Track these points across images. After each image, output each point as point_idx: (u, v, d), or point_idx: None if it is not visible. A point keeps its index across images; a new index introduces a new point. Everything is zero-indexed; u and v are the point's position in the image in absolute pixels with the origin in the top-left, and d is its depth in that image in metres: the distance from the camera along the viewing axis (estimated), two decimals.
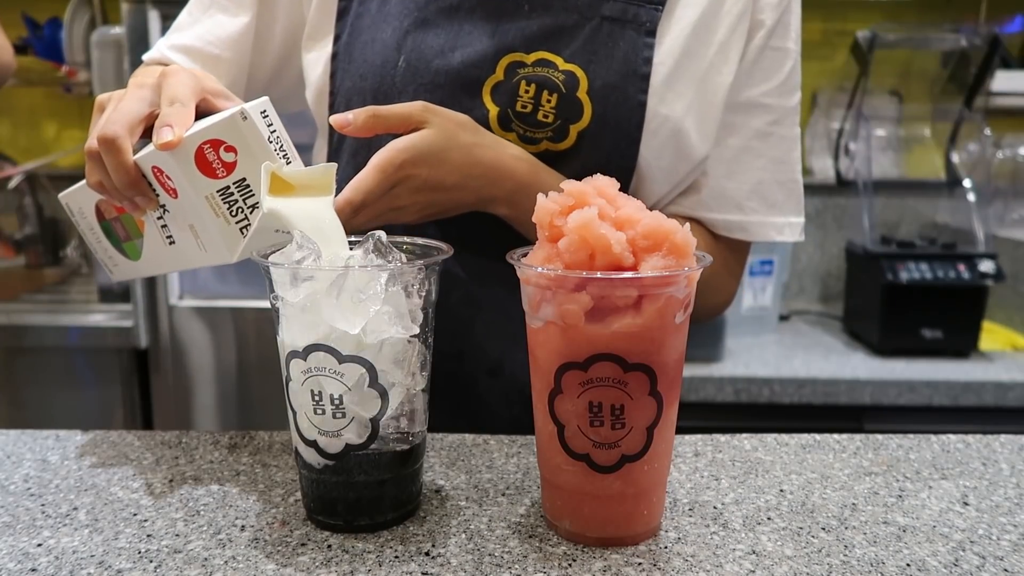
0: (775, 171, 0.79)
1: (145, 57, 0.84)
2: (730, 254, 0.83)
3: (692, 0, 0.74)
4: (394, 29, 0.75)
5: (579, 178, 0.55)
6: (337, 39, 0.78)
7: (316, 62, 0.81)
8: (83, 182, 0.68)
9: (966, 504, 0.62)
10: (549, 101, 0.72)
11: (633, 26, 0.73)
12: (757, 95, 0.78)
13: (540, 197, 0.53)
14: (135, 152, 0.62)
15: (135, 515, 0.59)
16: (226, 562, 0.53)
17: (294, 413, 0.57)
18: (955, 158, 2.13)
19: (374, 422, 0.55)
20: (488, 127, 0.72)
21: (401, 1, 0.75)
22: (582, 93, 0.72)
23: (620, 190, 0.55)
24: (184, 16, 0.85)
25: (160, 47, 0.83)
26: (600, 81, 0.72)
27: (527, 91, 0.72)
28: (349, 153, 0.80)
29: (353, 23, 0.78)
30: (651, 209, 0.59)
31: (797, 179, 0.81)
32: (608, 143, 0.73)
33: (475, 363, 0.81)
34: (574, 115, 0.72)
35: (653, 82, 0.73)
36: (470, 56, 0.73)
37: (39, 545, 0.55)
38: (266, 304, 0.63)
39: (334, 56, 0.79)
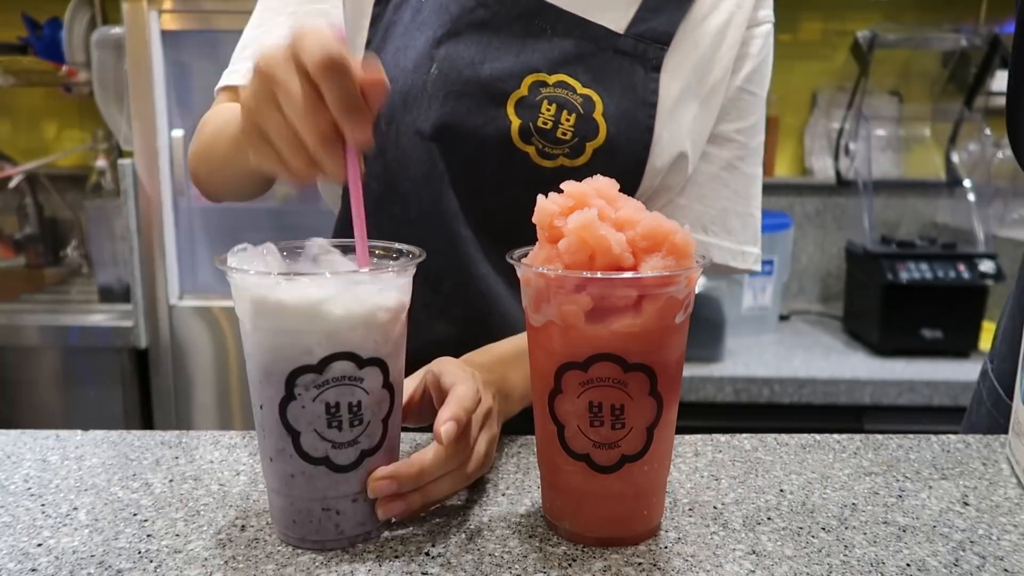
0: (736, 202, 0.86)
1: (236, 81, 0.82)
2: None
3: (694, 42, 0.81)
4: (427, 38, 0.79)
5: None
6: (368, 43, 0.82)
7: None
8: None
9: (966, 504, 0.62)
10: (568, 120, 0.77)
11: (641, 61, 0.79)
12: (729, 130, 0.84)
13: (540, 198, 0.53)
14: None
15: (135, 515, 0.59)
16: (226, 562, 0.53)
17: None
18: (955, 158, 2.13)
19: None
20: (510, 138, 0.77)
21: (434, 12, 0.79)
22: (598, 115, 0.77)
23: None
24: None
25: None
26: (614, 106, 0.78)
27: (548, 110, 0.77)
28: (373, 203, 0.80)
29: (386, 30, 0.81)
30: None
31: (755, 214, 0.87)
32: (620, 161, 0.78)
33: None
34: (591, 134, 0.77)
35: (659, 111, 0.79)
36: (498, 70, 0.77)
37: (39, 545, 0.55)
38: None
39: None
